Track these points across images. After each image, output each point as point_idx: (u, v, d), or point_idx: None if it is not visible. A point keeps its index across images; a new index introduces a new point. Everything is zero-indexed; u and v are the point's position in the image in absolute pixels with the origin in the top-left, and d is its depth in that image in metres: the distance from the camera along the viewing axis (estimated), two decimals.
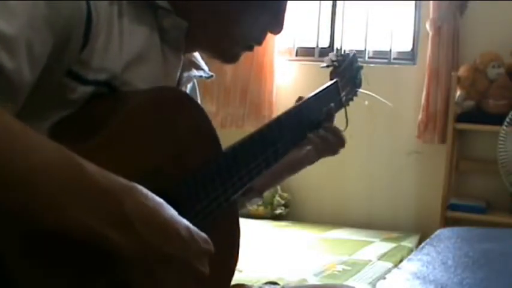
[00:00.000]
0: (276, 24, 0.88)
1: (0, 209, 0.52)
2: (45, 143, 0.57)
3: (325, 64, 1.19)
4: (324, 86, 1.12)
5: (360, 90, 1.25)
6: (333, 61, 1.18)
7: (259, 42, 0.89)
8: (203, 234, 0.66)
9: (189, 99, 0.82)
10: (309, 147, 1.09)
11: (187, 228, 0.64)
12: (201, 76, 0.94)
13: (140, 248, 0.58)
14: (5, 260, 0.56)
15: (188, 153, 0.79)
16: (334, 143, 1.09)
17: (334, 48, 3.77)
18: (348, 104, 1.21)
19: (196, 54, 0.95)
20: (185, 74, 0.91)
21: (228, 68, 3.70)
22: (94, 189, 0.57)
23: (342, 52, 1.22)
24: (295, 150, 1.07)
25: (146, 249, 0.59)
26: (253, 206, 1.13)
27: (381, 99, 1.34)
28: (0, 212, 0.52)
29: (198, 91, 1.02)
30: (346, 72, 1.19)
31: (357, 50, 3.60)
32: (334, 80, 1.15)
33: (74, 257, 0.58)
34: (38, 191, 0.53)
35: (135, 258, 0.58)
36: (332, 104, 1.11)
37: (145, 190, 0.61)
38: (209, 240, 0.67)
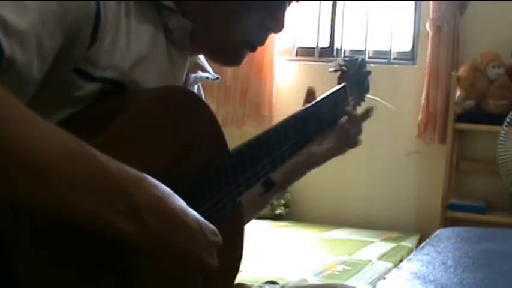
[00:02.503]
0: (276, 24, 0.88)
1: (12, 199, 0.52)
2: (59, 132, 0.58)
3: (333, 68, 1.19)
4: (332, 90, 1.12)
5: (368, 95, 1.25)
6: (341, 65, 1.18)
7: (262, 42, 0.90)
8: (212, 226, 0.66)
9: (197, 99, 0.83)
10: (329, 142, 1.10)
11: (197, 219, 0.65)
12: (207, 78, 0.95)
13: (149, 238, 0.59)
14: (12, 250, 0.57)
15: (195, 152, 0.79)
16: (353, 134, 1.10)
17: (334, 48, 3.77)
18: (355, 109, 1.21)
19: (201, 56, 0.95)
20: (192, 75, 0.91)
21: (228, 68, 3.69)
22: (106, 180, 0.57)
23: (350, 57, 1.22)
24: (319, 144, 1.09)
25: (155, 239, 0.59)
26: (278, 201, 1.15)
27: (387, 104, 1.34)
28: (12, 202, 0.53)
29: (203, 94, 1.02)
30: (354, 77, 1.20)
31: (357, 50, 3.62)
32: (342, 85, 1.15)
33: (83, 247, 0.58)
34: (50, 180, 0.54)
35: (145, 248, 0.59)
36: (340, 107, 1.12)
37: (155, 181, 0.62)
38: (217, 232, 0.67)
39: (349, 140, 1.11)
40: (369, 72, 1.25)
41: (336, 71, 1.19)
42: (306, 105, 1.05)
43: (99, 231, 0.56)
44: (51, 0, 0.64)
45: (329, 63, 1.21)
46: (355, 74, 1.20)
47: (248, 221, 1.11)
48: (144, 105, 0.73)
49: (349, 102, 1.17)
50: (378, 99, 1.28)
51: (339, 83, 1.16)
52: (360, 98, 1.23)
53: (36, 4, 0.62)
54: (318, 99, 1.08)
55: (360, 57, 1.23)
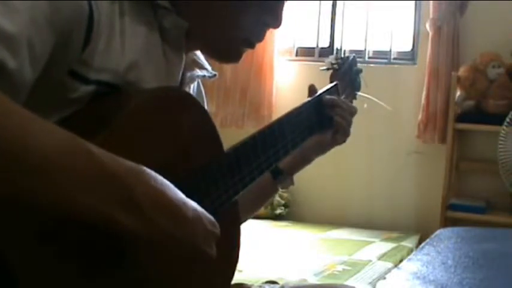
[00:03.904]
0: (275, 20, 0.88)
1: (11, 197, 0.53)
2: (55, 129, 0.58)
3: (325, 67, 1.20)
4: (324, 89, 1.12)
5: (359, 93, 1.26)
6: (332, 64, 1.19)
7: (260, 38, 0.89)
8: (210, 217, 0.67)
9: (191, 99, 0.82)
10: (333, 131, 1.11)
11: (195, 210, 0.65)
12: (204, 76, 0.94)
13: (149, 230, 0.59)
14: (11, 248, 0.57)
15: (190, 153, 0.79)
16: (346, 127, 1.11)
17: (334, 48, 3.77)
18: None
19: (199, 54, 0.95)
20: (188, 74, 0.91)
21: (228, 68, 3.70)
22: (103, 173, 0.57)
23: (342, 55, 1.23)
24: (323, 133, 1.09)
25: (155, 230, 0.60)
26: (286, 189, 1.17)
27: (379, 102, 1.35)
28: (11, 200, 0.53)
29: (203, 91, 1.02)
30: (345, 75, 1.20)
31: (357, 50, 3.61)
32: (334, 83, 1.16)
33: (83, 242, 0.58)
34: (49, 177, 0.54)
35: (144, 240, 0.59)
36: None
37: (153, 173, 0.62)
38: (216, 223, 0.67)
39: (345, 130, 1.11)
40: (360, 70, 1.25)
41: (327, 69, 1.19)
42: (300, 104, 1.05)
43: (98, 225, 0.56)
44: (41, 0, 0.64)
45: None
46: (346, 72, 1.21)
47: (256, 210, 1.13)
48: (139, 106, 0.73)
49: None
50: (372, 98, 1.28)
51: (331, 82, 1.17)
52: (352, 96, 1.24)
53: (26, 7, 0.62)
54: (311, 97, 1.08)
55: (351, 56, 1.24)
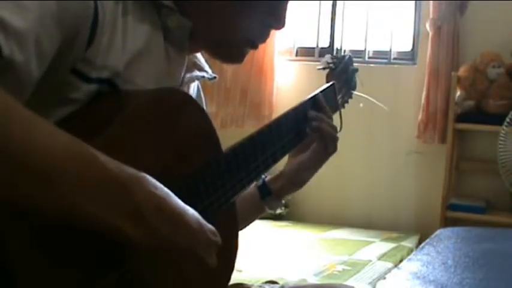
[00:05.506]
0: (278, 21, 0.88)
1: (13, 200, 0.52)
2: (59, 133, 0.58)
3: (321, 66, 1.20)
4: (322, 88, 1.12)
5: (355, 92, 1.25)
6: (328, 63, 1.19)
7: (263, 39, 0.89)
8: (211, 226, 0.67)
9: (190, 100, 0.83)
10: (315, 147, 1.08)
11: (197, 219, 0.65)
12: (203, 77, 0.94)
13: (149, 237, 0.59)
14: (11, 251, 0.56)
15: (189, 154, 0.79)
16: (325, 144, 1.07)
17: (335, 48, 3.77)
18: (344, 107, 1.21)
19: (199, 56, 0.95)
20: (187, 75, 0.91)
21: (228, 68, 3.70)
22: (107, 180, 0.58)
23: (338, 54, 1.22)
24: (307, 152, 1.08)
25: (155, 238, 0.60)
26: (275, 211, 1.14)
27: (375, 102, 1.34)
28: (12, 203, 0.53)
29: (202, 93, 1.02)
30: (341, 74, 1.20)
31: (357, 50, 3.61)
32: (332, 83, 1.15)
33: (83, 247, 0.58)
34: (51, 181, 0.54)
35: (145, 247, 0.59)
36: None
37: (154, 180, 0.62)
38: (217, 232, 0.67)
39: (331, 143, 1.08)
40: (356, 70, 1.25)
41: (324, 68, 1.19)
42: (297, 104, 1.04)
43: (100, 232, 0.56)
44: (50, 0, 0.64)
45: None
46: (342, 71, 1.20)
47: (244, 227, 1.11)
48: (139, 107, 0.73)
49: (338, 100, 1.17)
50: (368, 97, 1.28)
51: (327, 81, 1.16)
52: (348, 96, 1.23)
53: (35, 4, 0.63)
54: (307, 97, 1.08)
55: (347, 55, 1.23)
